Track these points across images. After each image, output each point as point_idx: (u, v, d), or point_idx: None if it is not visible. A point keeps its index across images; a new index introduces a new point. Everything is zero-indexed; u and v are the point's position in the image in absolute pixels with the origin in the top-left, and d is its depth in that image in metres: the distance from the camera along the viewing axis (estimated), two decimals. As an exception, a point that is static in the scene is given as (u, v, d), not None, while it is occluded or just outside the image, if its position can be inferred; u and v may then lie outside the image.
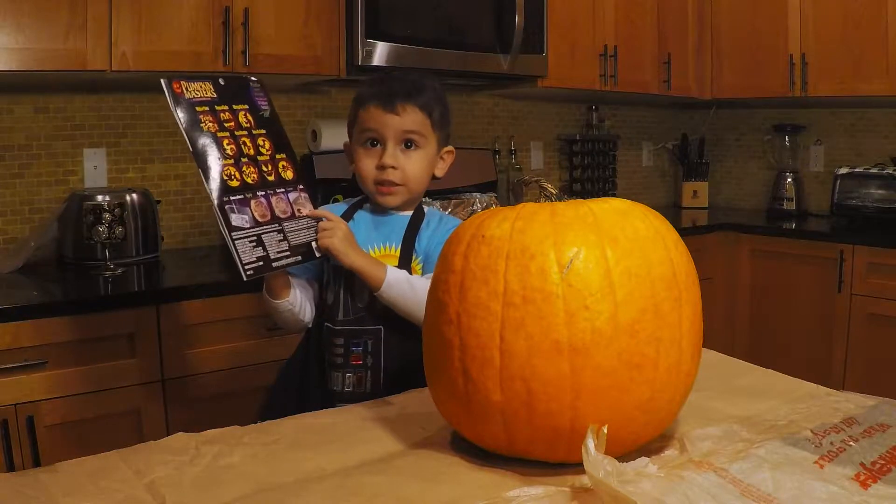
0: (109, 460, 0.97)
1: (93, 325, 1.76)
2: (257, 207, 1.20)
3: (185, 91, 1.13)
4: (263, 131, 1.23)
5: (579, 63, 3.02)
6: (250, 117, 1.22)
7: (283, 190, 1.24)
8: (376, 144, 1.36)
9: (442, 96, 1.40)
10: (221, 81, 1.19)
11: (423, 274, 1.37)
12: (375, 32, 2.36)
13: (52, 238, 2.18)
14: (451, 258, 0.96)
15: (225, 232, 1.16)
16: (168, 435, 1.05)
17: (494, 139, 3.24)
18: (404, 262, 1.36)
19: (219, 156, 1.16)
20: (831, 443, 0.95)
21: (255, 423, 1.14)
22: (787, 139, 3.53)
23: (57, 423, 1.73)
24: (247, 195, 1.18)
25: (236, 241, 1.16)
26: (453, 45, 2.56)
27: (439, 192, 2.67)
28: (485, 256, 0.91)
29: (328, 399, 1.31)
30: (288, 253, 1.24)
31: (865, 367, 2.81)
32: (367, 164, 1.36)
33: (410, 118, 1.34)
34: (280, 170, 1.25)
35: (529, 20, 2.69)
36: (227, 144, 1.17)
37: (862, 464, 0.89)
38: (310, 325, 1.40)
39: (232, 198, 1.16)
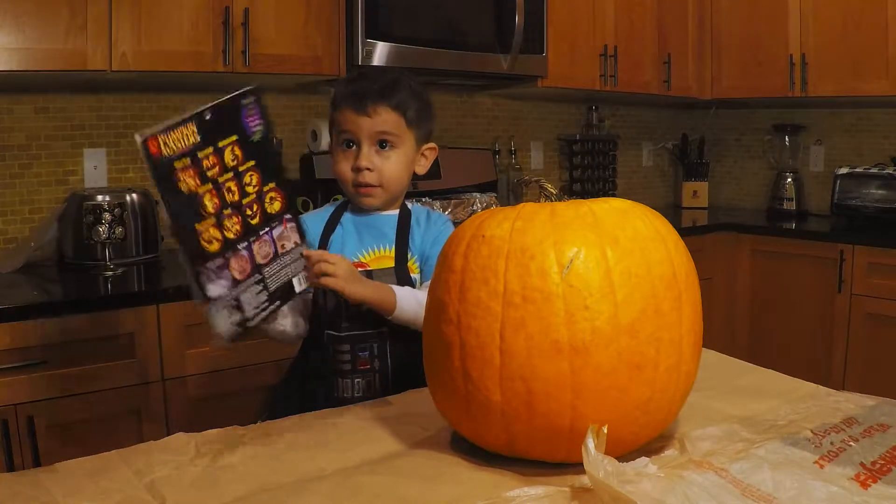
0: (109, 460, 0.97)
1: (93, 325, 1.76)
2: (237, 264, 1.10)
3: (162, 148, 1.00)
4: (253, 162, 1.11)
5: (579, 63, 3.01)
6: (238, 151, 1.09)
7: (267, 229, 1.14)
8: (352, 146, 1.34)
9: (419, 94, 1.37)
10: (208, 116, 1.06)
11: (421, 276, 1.37)
12: (375, 32, 2.36)
13: (52, 238, 2.18)
14: (451, 258, 0.96)
15: (200, 303, 1.07)
16: (168, 435, 1.05)
17: (494, 139, 3.24)
18: (400, 262, 1.36)
19: (197, 219, 1.05)
20: (831, 443, 0.95)
21: (255, 423, 1.14)
22: (787, 139, 3.53)
23: (57, 423, 1.73)
24: (227, 255, 1.09)
25: (214, 314, 1.08)
26: (453, 45, 2.56)
27: (439, 191, 2.67)
28: (485, 256, 0.91)
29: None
30: (266, 304, 1.15)
31: (865, 367, 2.81)
32: (344, 167, 1.35)
33: (382, 119, 1.32)
34: (267, 204, 1.14)
35: (529, 20, 2.69)
36: (210, 200, 1.06)
37: (862, 464, 0.89)
38: (303, 336, 1.39)
39: (208, 265, 1.06)
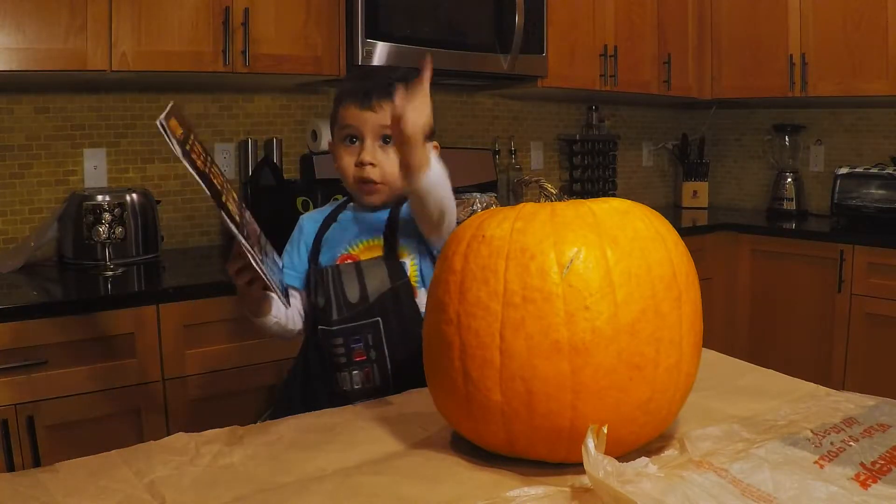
0: (109, 460, 0.97)
1: (93, 325, 1.76)
2: (252, 236, 1.17)
3: (176, 130, 1.06)
4: (210, 158, 1.17)
5: (579, 63, 3.02)
6: (199, 146, 1.13)
7: (244, 212, 1.21)
8: (355, 141, 1.34)
9: None
10: (175, 111, 1.10)
11: (414, 260, 1.36)
12: (375, 32, 2.36)
13: (52, 238, 2.18)
14: (451, 258, 0.96)
15: (259, 267, 1.13)
16: (168, 435, 1.05)
17: (494, 139, 3.24)
18: (390, 250, 1.34)
19: (219, 194, 1.10)
20: (831, 443, 0.95)
21: (255, 423, 1.14)
22: (787, 139, 3.53)
23: (57, 423, 1.73)
24: (244, 226, 1.16)
25: (271, 276, 1.17)
26: (453, 45, 2.55)
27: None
28: (485, 256, 0.91)
29: (340, 404, 1.28)
30: (275, 268, 1.25)
31: (865, 367, 2.81)
32: (347, 162, 1.35)
33: (387, 113, 1.29)
34: (233, 193, 1.19)
35: (529, 20, 2.69)
36: (214, 178, 1.12)
37: (862, 464, 0.89)
38: (301, 334, 1.40)
39: (245, 232, 1.13)
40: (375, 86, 1.32)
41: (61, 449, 1.70)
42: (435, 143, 1.42)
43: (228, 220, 1.08)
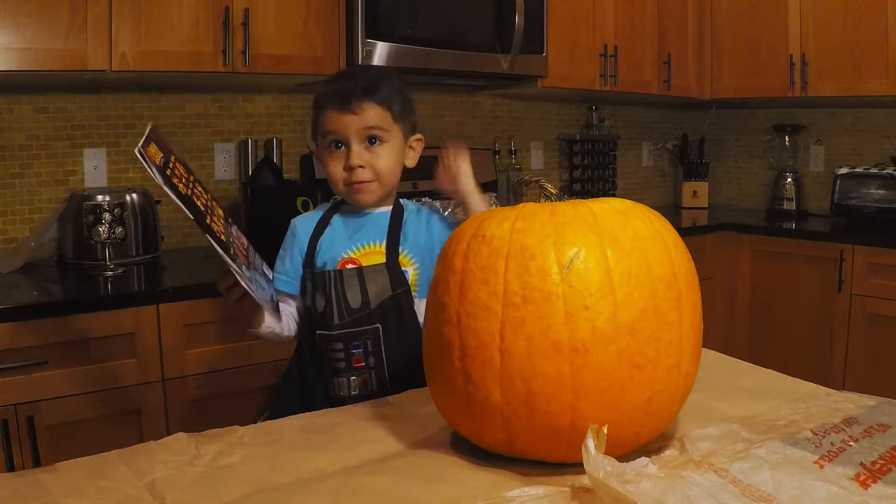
0: (109, 460, 0.97)
1: (93, 325, 1.76)
2: (239, 251, 1.19)
3: (155, 156, 1.06)
4: (192, 176, 1.18)
5: (579, 63, 3.02)
6: (181, 167, 1.14)
7: (230, 228, 1.22)
8: (341, 146, 1.34)
9: (400, 88, 1.38)
10: (154, 136, 1.11)
11: (416, 270, 1.36)
12: (375, 32, 2.36)
13: (52, 238, 2.18)
14: (451, 258, 0.96)
15: (248, 286, 1.17)
16: (168, 435, 1.05)
17: (494, 139, 3.24)
18: (391, 256, 1.35)
19: (202, 215, 1.11)
20: (831, 443, 0.95)
21: (255, 423, 1.14)
22: (787, 139, 3.53)
23: (57, 423, 1.73)
24: (230, 244, 1.16)
25: (257, 290, 1.20)
26: (453, 45, 2.55)
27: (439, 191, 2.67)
28: (485, 256, 0.91)
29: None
30: (263, 281, 1.28)
31: (865, 367, 2.81)
32: (335, 168, 1.35)
33: (369, 114, 1.32)
34: (218, 210, 1.21)
35: (529, 20, 2.69)
36: (197, 200, 1.13)
37: (862, 464, 0.89)
38: (295, 339, 1.40)
39: (231, 252, 1.14)
40: (353, 89, 1.32)
41: (61, 449, 1.70)
42: (419, 135, 1.43)
43: (215, 243, 1.09)
